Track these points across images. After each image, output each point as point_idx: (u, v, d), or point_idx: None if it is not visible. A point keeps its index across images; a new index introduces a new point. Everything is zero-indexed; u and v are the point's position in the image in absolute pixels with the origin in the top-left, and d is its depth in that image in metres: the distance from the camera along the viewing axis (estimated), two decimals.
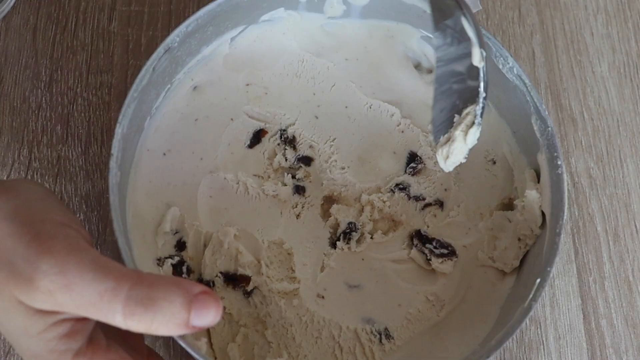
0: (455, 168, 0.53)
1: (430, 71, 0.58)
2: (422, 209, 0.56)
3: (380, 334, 0.52)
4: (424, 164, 0.56)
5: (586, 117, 0.63)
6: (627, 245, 0.60)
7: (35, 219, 0.38)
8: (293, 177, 0.55)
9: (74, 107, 0.60)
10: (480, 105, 0.45)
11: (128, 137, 0.49)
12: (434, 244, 0.54)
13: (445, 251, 0.54)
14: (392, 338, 0.52)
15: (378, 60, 0.58)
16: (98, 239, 0.56)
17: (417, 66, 0.58)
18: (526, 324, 0.57)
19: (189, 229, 0.52)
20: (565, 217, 0.49)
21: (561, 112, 0.63)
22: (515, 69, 0.52)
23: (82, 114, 0.60)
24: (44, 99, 0.60)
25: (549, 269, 0.47)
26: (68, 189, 0.57)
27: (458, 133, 0.47)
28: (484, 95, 0.45)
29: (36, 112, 0.59)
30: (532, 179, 0.53)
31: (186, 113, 0.55)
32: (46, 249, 0.36)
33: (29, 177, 0.57)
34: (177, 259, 0.51)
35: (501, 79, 0.53)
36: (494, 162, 0.56)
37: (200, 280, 0.52)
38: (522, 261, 0.53)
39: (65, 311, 0.37)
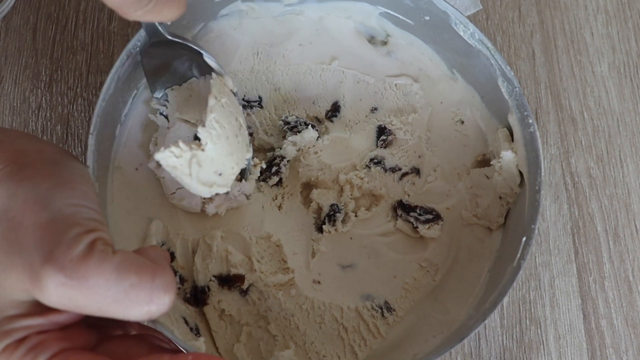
0: (426, 133, 0.56)
1: (384, 43, 0.58)
2: (400, 179, 0.56)
3: (381, 308, 0.52)
4: (394, 135, 0.56)
5: (586, 117, 0.63)
6: (627, 245, 0.60)
7: (69, 218, 0.35)
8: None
9: (74, 107, 0.60)
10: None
11: (101, 147, 0.49)
12: (418, 211, 0.54)
13: (430, 216, 0.54)
14: (394, 310, 0.52)
15: (331, 40, 0.58)
16: None
17: (371, 40, 0.58)
18: (526, 323, 0.57)
19: (174, 239, 0.52)
20: (542, 174, 0.49)
21: (561, 112, 0.63)
22: (476, 34, 0.52)
23: (82, 114, 0.60)
24: (44, 99, 0.60)
25: (532, 226, 0.48)
26: None
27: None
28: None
29: (36, 112, 0.59)
30: (506, 139, 0.54)
31: (151, 124, 0.54)
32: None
33: None
34: None
35: (463, 46, 0.54)
36: (462, 122, 0.57)
37: (194, 287, 0.52)
38: (506, 220, 0.54)
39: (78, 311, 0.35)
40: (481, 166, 0.55)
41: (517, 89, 0.51)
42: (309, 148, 0.55)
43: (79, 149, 0.59)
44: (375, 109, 0.57)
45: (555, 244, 0.60)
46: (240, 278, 0.51)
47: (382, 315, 0.52)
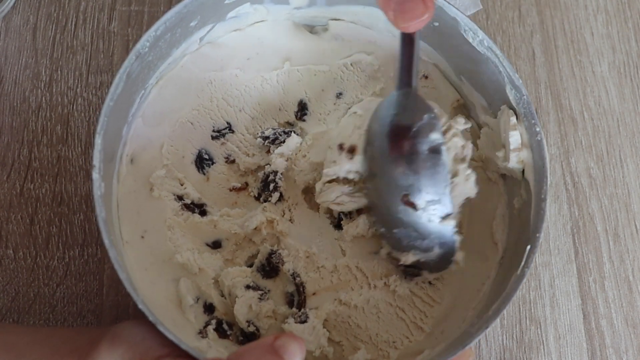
0: None
1: (326, 29, 0.58)
2: None
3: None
4: None
5: (586, 117, 0.63)
6: (627, 245, 0.60)
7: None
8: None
9: (74, 107, 0.60)
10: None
11: (108, 147, 0.48)
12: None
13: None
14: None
15: (275, 44, 0.57)
16: (98, 238, 0.56)
17: (312, 30, 0.58)
18: (526, 323, 0.57)
19: (207, 291, 0.51)
20: (548, 182, 0.49)
21: (561, 112, 0.63)
22: (485, 41, 0.52)
23: (82, 114, 0.60)
24: (44, 99, 0.60)
25: (537, 235, 0.48)
26: (68, 189, 0.57)
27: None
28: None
29: (36, 112, 0.59)
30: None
31: (138, 188, 0.53)
32: None
33: (29, 178, 0.57)
34: (214, 322, 0.50)
35: (472, 52, 0.53)
36: (426, 77, 0.57)
37: (242, 330, 0.51)
38: (510, 229, 0.53)
39: None
40: (461, 112, 0.56)
41: (524, 96, 0.51)
42: (296, 154, 0.54)
43: (79, 149, 0.59)
44: (341, 94, 0.57)
45: (555, 244, 0.60)
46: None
47: (430, 283, 0.52)
